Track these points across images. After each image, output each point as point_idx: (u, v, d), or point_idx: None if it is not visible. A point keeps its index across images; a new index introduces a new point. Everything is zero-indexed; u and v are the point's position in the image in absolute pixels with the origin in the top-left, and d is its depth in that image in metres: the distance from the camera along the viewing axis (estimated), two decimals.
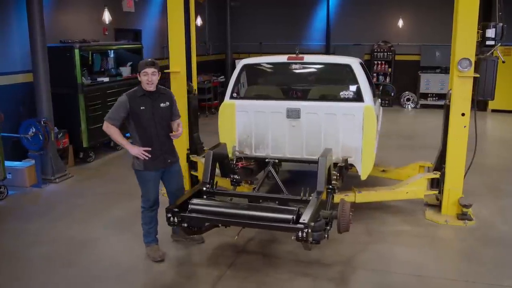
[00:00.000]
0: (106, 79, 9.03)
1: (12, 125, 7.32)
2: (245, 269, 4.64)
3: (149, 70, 4.41)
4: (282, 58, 5.84)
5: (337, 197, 5.38)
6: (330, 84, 6.03)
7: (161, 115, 4.60)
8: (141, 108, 4.48)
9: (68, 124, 8.24)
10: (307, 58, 5.73)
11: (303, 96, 5.89)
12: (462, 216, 5.64)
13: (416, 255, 4.93)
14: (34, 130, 7.13)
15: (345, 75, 5.58)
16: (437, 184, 5.93)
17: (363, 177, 5.51)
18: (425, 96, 14.10)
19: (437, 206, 5.98)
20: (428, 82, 13.87)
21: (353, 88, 5.48)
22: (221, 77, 14.25)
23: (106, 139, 9.12)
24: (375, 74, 14.55)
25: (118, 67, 9.86)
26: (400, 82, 14.32)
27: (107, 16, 9.73)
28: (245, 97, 5.94)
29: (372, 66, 14.51)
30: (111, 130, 4.49)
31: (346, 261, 4.82)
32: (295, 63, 5.73)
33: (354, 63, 5.53)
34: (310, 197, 4.32)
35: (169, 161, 4.69)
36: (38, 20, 7.11)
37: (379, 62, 14.50)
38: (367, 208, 5.99)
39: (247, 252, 5.01)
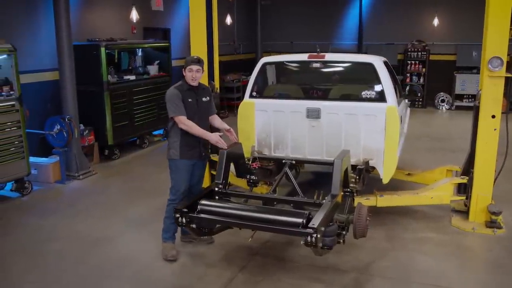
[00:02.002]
0: (132, 78, 9.09)
1: (41, 122, 7.45)
2: (258, 272, 4.52)
3: (194, 67, 4.63)
4: (303, 57, 5.69)
5: (358, 201, 5.20)
6: (352, 84, 5.82)
7: (203, 109, 4.84)
8: (189, 100, 4.67)
9: (94, 121, 8.34)
10: (328, 56, 5.56)
11: (324, 95, 5.71)
12: (491, 224, 5.34)
13: (439, 264, 4.67)
14: (58, 127, 7.23)
15: (367, 74, 5.37)
16: (464, 189, 5.64)
17: (385, 180, 5.28)
18: (460, 97, 13.58)
19: (464, 213, 5.69)
20: (464, 83, 13.34)
21: (375, 87, 5.26)
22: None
23: (131, 137, 9.24)
24: (408, 75, 14.14)
25: (146, 66, 9.93)
26: (434, 83, 13.92)
27: (134, 15, 9.80)
28: (265, 96, 5.82)
29: (406, 66, 14.11)
30: (188, 123, 4.58)
31: (364, 267, 4.63)
32: (316, 62, 5.56)
33: (377, 61, 5.31)
34: (324, 201, 4.14)
35: (203, 154, 4.87)
36: (64, 19, 7.21)
37: (413, 62, 14.05)
38: (390, 213, 5.76)
39: (261, 255, 4.88)
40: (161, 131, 10.30)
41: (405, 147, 7.28)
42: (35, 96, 7.65)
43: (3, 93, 6.36)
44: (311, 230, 3.54)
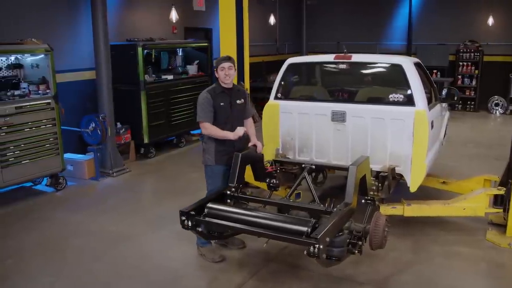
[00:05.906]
0: (170, 77, 9.17)
1: (79, 119, 7.65)
2: (269, 280, 4.38)
3: (226, 64, 4.58)
4: (329, 58, 5.49)
5: (383, 210, 4.96)
6: (379, 86, 5.56)
7: (238, 112, 4.75)
8: (221, 104, 4.60)
9: (130, 120, 8.48)
10: (355, 57, 5.33)
11: (350, 98, 5.49)
12: None
13: (466, 282, 4.35)
14: (93, 125, 7.40)
15: (395, 76, 5.10)
16: (502, 201, 5.22)
17: (412, 189, 5.00)
18: None
19: (502, 226, 5.28)
20: None
21: (403, 90, 4.99)
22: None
23: (168, 136, 9.33)
24: (460, 76, 13.45)
25: (185, 66, 10.01)
26: (488, 85, 13.16)
27: (174, 15, 9.90)
28: (290, 98, 5.68)
29: (457, 67, 13.43)
30: (211, 129, 4.56)
31: (381, 281, 4.38)
32: (342, 63, 5.35)
33: (406, 63, 5.02)
34: (335, 209, 3.95)
35: None
36: (101, 19, 7.37)
37: (465, 63, 13.34)
38: (419, 222, 5.44)
39: (276, 262, 4.74)
40: (199, 131, 10.33)
41: (447, 154, 6.91)
42: (74, 95, 7.89)
43: (39, 92, 6.59)
44: (313, 240, 3.36)
